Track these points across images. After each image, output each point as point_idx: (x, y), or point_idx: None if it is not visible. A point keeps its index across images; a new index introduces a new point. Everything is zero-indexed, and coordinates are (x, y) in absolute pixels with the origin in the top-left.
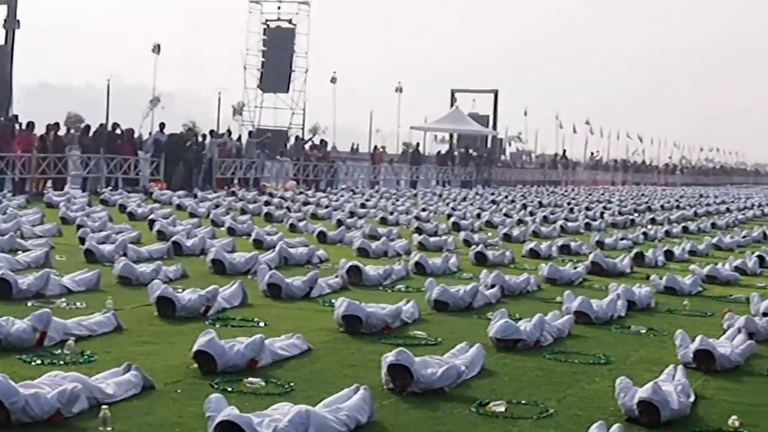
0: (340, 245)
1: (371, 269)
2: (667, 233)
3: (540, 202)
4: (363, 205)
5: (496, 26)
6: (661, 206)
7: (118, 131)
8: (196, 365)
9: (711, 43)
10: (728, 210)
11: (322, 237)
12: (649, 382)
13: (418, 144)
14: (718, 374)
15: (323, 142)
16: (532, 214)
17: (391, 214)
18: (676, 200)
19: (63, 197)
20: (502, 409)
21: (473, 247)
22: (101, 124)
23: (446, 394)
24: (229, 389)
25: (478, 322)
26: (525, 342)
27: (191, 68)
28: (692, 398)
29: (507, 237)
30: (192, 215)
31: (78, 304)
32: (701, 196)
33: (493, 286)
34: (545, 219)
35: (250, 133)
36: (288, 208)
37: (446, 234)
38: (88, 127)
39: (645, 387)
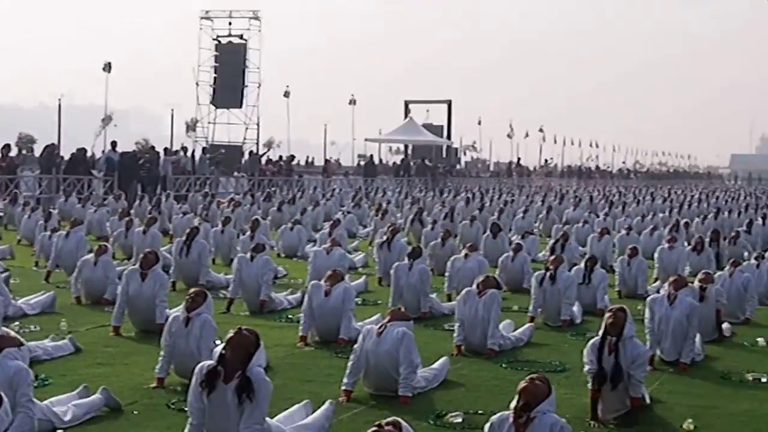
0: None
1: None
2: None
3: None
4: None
5: (448, 37)
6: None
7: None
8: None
9: (661, 48)
10: None
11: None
12: None
13: (371, 156)
14: (672, 376)
15: (291, 157)
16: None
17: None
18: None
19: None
20: (459, 420)
21: None
22: (49, 144)
23: (407, 405)
24: (185, 408)
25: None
26: None
27: (143, 86)
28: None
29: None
30: None
31: (32, 327)
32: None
33: None
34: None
35: (203, 149)
36: None
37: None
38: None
39: None
